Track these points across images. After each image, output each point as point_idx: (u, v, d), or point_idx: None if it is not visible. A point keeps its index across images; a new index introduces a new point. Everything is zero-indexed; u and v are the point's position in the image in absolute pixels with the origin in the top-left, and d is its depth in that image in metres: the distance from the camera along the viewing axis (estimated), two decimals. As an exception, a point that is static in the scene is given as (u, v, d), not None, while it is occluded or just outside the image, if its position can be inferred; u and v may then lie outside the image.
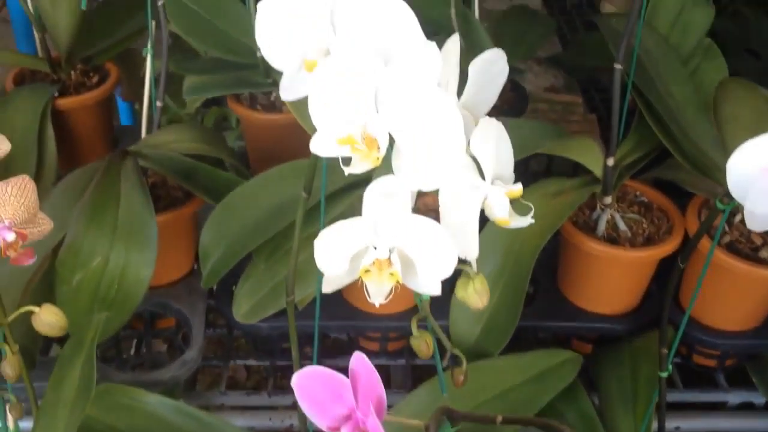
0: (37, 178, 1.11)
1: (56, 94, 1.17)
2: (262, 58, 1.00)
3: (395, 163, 0.60)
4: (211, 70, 1.18)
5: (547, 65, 2.23)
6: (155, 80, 1.04)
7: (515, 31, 1.28)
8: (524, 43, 1.26)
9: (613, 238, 1.01)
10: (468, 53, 1.24)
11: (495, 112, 0.69)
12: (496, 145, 0.63)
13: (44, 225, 0.65)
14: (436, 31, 1.27)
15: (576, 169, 1.08)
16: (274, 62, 0.65)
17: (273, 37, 0.64)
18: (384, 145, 0.57)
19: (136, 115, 1.57)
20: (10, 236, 0.60)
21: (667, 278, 1.00)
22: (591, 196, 1.03)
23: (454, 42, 0.63)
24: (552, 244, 0.99)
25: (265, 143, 1.22)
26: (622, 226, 1.02)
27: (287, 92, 0.67)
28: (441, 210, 0.61)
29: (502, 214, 0.62)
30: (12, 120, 1.13)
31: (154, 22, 1.02)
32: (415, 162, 0.57)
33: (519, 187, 0.62)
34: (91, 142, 1.25)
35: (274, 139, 1.20)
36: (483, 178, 0.63)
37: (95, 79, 1.24)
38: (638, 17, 0.97)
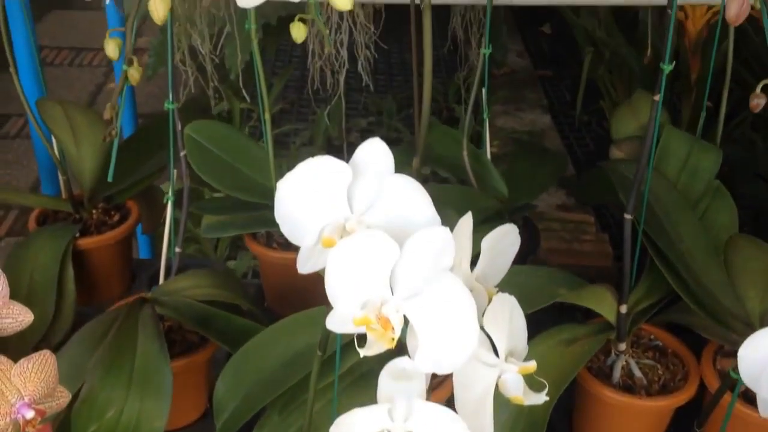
0: (56, 318, 1.13)
1: (77, 234, 1.19)
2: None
3: (410, 342, 0.61)
4: (229, 210, 1.22)
5: (559, 184, 2.27)
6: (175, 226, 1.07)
7: (527, 169, 1.30)
8: (536, 182, 1.28)
9: (628, 386, 1.01)
10: (480, 193, 1.26)
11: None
12: (509, 321, 0.64)
13: (62, 398, 0.66)
14: (449, 171, 1.31)
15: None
16: (293, 237, 0.67)
17: (292, 213, 0.66)
18: (399, 326, 0.58)
19: (154, 247, 1.60)
20: (30, 414, 0.61)
21: (683, 422, 1.00)
22: (605, 342, 1.03)
23: (466, 221, 0.64)
24: (567, 389, 0.99)
25: (281, 281, 1.24)
26: (637, 372, 1.01)
27: (304, 266, 0.69)
28: (455, 389, 0.62)
29: (517, 391, 0.62)
30: (34, 260, 1.15)
31: (175, 171, 1.05)
32: (430, 346, 0.58)
33: (533, 363, 0.63)
34: (110, 278, 1.27)
35: (290, 277, 1.21)
36: (496, 352, 0.63)
37: (116, 217, 1.27)
38: (647, 165, 0.99)
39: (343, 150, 2.63)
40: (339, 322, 0.61)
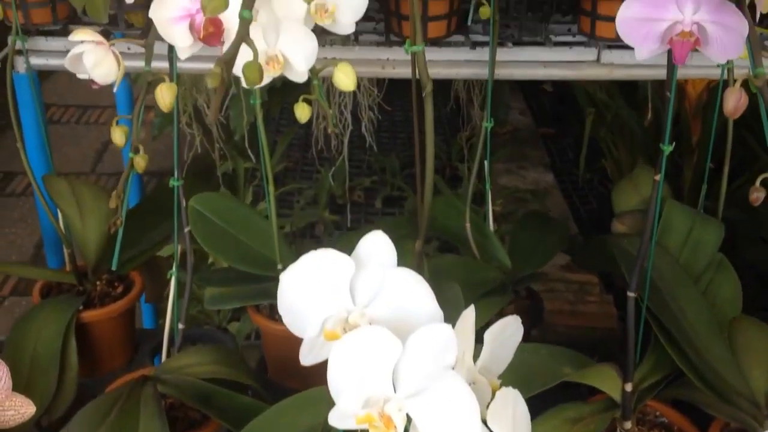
0: (58, 391, 1.13)
1: (81, 307, 1.19)
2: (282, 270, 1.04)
3: (413, 438, 0.61)
4: (232, 282, 1.22)
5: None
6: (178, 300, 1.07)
7: (530, 240, 1.30)
8: (540, 252, 1.28)
9: (634, 465, 1.00)
10: (483, 265, 1.26)
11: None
12: (512, 416, 0.63)
13: (63, 493, 0.65)
14: (451, 242, 1.32)
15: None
16: (295, 329, 0.68)
17: (295, 305, 0.67)
18: (401, 425, 0.58)
19: (158, 316, 1.60)
20: None
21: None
22: (611, 420, 1.02)
23: (468, 315, 0.64)
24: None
25: (284, 354, 1.23)
26: (643, 451, 1.00)
27: (306, 358, 0.69)
28: (458, 488, 0.61)
29: (521, 490, 0.61)
30: (37, 333, 1.16)
31: (180, 246, 1.05)
32: (433, 447, 0.57)
33: (536, 461, 0.62)
34: (112, 349, 1.27)
35: (294, 350, 1.20)
36: (500, 448, 0.63)
37: (120, 289, 1.27)
38: (650, 240, 0.99)
39: (347, 209, 2.64)
40: (341, 417, 0.61)
